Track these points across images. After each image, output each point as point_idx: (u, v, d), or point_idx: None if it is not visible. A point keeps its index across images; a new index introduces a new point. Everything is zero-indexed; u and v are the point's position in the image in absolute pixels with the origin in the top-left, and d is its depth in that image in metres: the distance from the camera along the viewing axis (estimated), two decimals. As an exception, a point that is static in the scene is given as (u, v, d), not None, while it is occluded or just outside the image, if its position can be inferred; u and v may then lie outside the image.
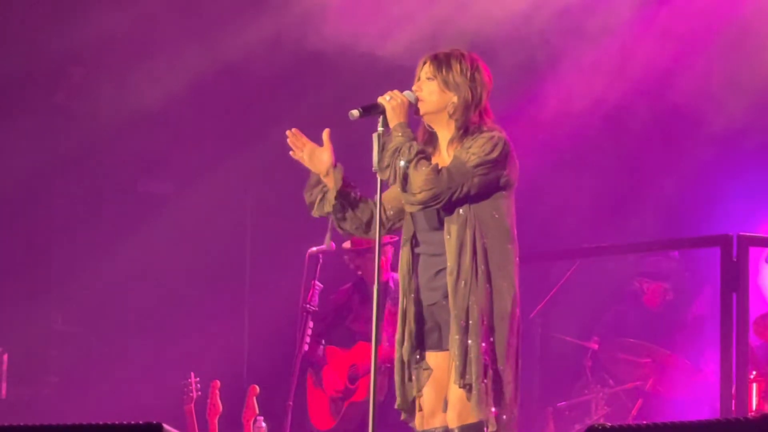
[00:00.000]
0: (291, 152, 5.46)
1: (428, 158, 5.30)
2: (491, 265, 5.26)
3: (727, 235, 7.19)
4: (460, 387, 5.18)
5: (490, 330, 5.23)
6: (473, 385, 5.15)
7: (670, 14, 8.58)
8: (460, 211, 5.27)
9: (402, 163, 5.23)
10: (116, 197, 9.69)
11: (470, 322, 5.20)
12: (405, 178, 5.23)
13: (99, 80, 9.22)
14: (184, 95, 9.06)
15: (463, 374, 5.17)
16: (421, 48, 6.33)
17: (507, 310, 5.26)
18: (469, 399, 5.17)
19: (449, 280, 5.26)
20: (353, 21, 8.01)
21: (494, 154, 5.24)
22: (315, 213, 5.53)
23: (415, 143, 5.27)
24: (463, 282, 5.23)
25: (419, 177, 5.20)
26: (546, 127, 8.57)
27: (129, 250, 9.26)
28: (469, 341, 5.20)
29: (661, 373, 8.39)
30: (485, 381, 5.17)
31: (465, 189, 5.22)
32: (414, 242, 5.43)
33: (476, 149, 5.25)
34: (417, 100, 5.35)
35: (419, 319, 5.40)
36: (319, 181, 5.47)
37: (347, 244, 7.88)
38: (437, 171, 5.21)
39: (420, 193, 5.21)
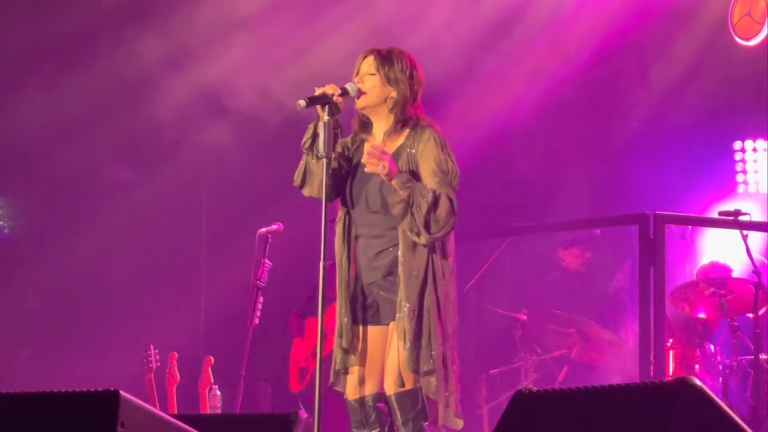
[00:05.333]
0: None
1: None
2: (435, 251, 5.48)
3: (644, 213, 7.49)
4: (408, 356, 5.36)
5: (436, 310, 5.42)
6: (412, 352, 5.35)
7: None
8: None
9: (423, 212, 5.36)
10: (81, 183, 9.66)
11: (418, 303, 5.39)
12: (427, 224, 5.38)
13: (65, 75, 9.27)
14: (141, 84, 9.20)
15: (410, 347, 5.37)
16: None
17: (449, 291, 5.49)
18: (408, 365, 5.35)
19: (401, 270, 5.42)
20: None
21: (452, 158, 5.50)
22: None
23: (417, 189, 5.39)
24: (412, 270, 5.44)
25: (440, 219, 5.38)
26: (479, 117, 8.78)
27: (93, 233, 9.31)
28: (418, 318, 5.38)
29: (585, 342, 8.57)
30: (430, 353, 5.38)
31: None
32: (348, 220, 5.61)
33: (438, 162, 5.45)
34: (359, 92, 5.52)
35: (357, 296, 5.57)
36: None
37: None
38: (447, 203, 5.39)
39: (445, 227, 5.40)
